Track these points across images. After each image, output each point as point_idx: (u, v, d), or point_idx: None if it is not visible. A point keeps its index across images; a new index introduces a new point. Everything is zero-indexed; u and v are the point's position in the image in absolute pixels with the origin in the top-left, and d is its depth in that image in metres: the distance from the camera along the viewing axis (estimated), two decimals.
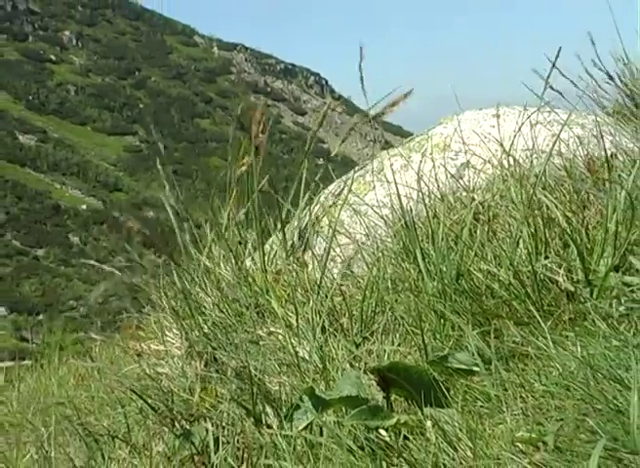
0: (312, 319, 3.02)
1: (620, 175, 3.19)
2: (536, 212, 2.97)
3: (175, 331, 3.56)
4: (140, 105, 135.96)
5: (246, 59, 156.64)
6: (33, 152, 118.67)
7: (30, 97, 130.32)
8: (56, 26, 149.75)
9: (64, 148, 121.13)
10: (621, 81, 4.51)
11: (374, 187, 3.87)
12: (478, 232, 3.03)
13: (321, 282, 3.29)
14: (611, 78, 4.51)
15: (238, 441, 2.70)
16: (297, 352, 2.87)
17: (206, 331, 3.36)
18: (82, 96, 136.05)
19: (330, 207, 3.91)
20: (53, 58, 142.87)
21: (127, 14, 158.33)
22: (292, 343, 2.93)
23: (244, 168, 3.85)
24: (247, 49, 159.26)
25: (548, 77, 3.89)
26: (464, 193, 3.49)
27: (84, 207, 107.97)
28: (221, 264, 3.65)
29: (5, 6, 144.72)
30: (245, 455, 2.64)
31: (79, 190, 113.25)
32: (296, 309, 3.11)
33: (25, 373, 8.13)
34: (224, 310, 3.44)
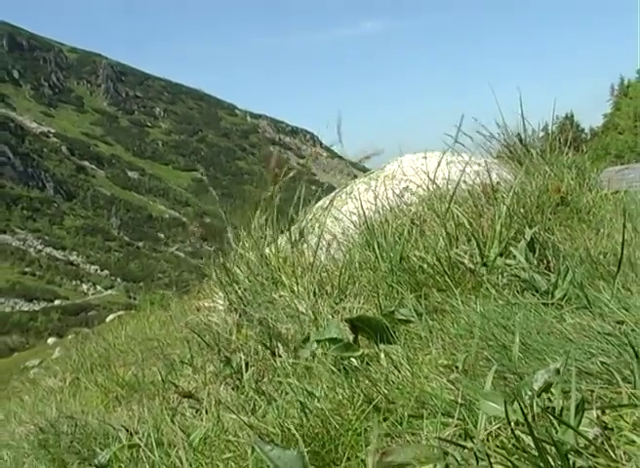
0: (307, 287, 2.97)
1: (502, 196, 3.18)
2: (450, 219, 2.93)
3: (220, 294, 3.49)
4: (202, 153, 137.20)
5: (267, 124, 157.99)
6: (136, 182, 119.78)
7: (135, 148, 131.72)
8: (151, 104, 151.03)
9: (155, 179, 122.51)
10: (502, 137, 4.50)
11: (347, 202, 3.82)
12: (413, 231, 2.99)
13: (313, 263, 3.23)
14: (493, 137, 4.51)
15: (260, 365, 2.64)
16: (297, 308, 2.82)
17: (240, 294, 3.29)
18: (166, 147, 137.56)
19: (319, 215, 3.85)
20: (149, 124, 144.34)
21: (194, 96, 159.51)
22: (294, 302, 2.88)
23: (268, 193, 3.80)
24: (268, 117, 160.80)
25: (457, 135, 3.92)
26: (405, 206, 3.45)
27: (167, 215, 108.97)
28: (250, 252, 3.59)
29: (121, 92, 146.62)
30: (264, 375, 2.58)
31: (164, 205, 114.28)
32: (297, 281, 3.06)
33: (130, 319, 8.11)
34: (251, 281, 3.37)
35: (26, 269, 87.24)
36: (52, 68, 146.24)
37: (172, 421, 2.37)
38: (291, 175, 3.77)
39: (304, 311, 2.76)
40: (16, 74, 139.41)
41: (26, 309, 75.53)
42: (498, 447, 1.39)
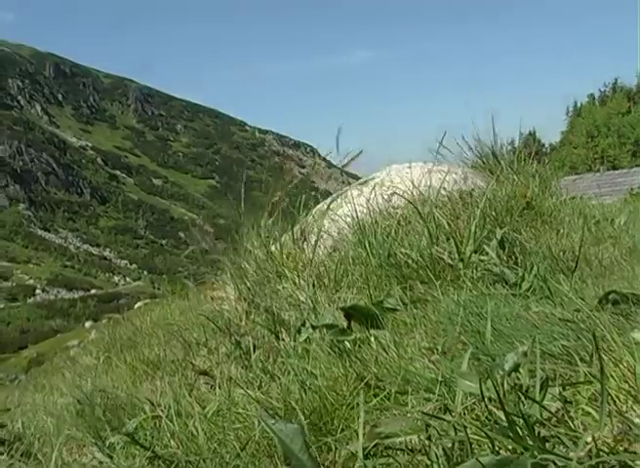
0: (307, 279, 2.92)
1: (476, 201, 3.15)
2: (431, 220, 2.90)
3: (231, 285, 3.44)
4: (217, 163, 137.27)
5: (273, 138, 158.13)
6: (160, 188, 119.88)
7: (159, 159, 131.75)
8: (173, 122, 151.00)
9: (176, 186, 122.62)
10: (476, 150, 4.46)
11: (342, 206, 3.78)
12: (400, 231, 2.96)
13: (312, 259, 3.19)
14: (470, 149, 4.47)
15: (266, 347, 2.60)
16: (299, 298, 2.78)
17: (248, 285, 3.24)
18: (186, 158, 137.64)
19: (318, 217, 3.81)
20: (171, 138, 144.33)
21: (210, 114, 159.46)
22: (296, 293, 2.83)
23: (275, 198, 3.75)
24: (274, 132, 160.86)
25: (438, 148, 3.87)
26: (392, 209, 3.41)
27: (186, 217, 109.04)
28: (257, 248, 3.54)
29: (147, 111, 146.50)
30: (269, 356, 2.55)
31: (184, 209, 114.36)
32: (298, 274, 3.01)
33: (154, 306, 8.03)
34: (258, 274, 3.32)
35: (67, 263, 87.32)
36: (89, 91, 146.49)
37: (189, 395, 2.34)
38: (295, 182, 3.74)
39: (305, 300, 2.73)
40: (60, 97, 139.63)
41: (67, 297, 75.53)
42: (473, 419, 1.38)
